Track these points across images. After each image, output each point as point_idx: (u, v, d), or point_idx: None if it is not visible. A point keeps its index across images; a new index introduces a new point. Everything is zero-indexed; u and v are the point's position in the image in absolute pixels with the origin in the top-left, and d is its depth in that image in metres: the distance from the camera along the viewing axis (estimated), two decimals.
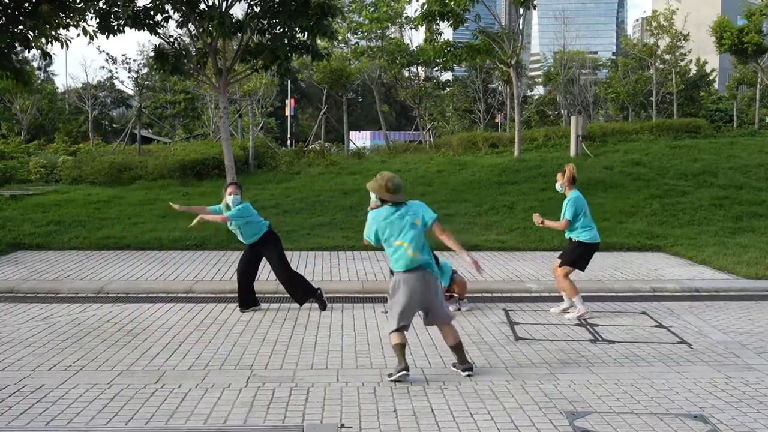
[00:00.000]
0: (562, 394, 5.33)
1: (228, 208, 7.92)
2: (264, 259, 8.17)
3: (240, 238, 8.11)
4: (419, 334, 7.00)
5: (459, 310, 8.03)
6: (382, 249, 5.86)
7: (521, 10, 22.57)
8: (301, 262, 10.85)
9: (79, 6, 13.01)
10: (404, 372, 5.56)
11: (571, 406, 5.07)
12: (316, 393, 5.30)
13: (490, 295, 8.93)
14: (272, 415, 4.86)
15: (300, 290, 8.05)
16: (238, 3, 13.99)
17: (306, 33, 13.80)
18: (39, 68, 51.75)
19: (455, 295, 8.16)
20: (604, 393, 5.36)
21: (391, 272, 5.87)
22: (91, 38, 13.53)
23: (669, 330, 7.28)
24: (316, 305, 8.09)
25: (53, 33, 13.30)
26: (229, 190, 8.00)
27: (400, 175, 6.28)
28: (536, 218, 7.85)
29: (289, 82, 38.03)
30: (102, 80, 51.51)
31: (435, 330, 7.13)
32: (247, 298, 8.03)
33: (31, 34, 13.29)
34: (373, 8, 32.28)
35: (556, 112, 53.57)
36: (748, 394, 5.37)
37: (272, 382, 5.54)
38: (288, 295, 8.23)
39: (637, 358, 6.30)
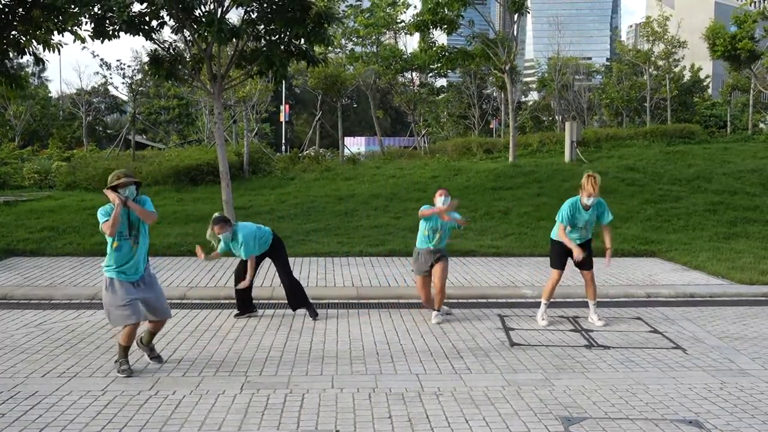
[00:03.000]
0: (557, 399, 5.33)
1: (219, 240, 7.68)
2: (261, 265, 8.12)
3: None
4: (414, 339, 7.00)
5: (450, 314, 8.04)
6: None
7: (515, 16, 22.67)
8: (296, 268, 10.80)
9: (74, 11, 12.97)
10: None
11: (566, 412, 5.07)
12: (311, 399, 5.29)
13: (485, 300, 8.93)
14: (267, 422, 4.85)
15: (295, 299, 8.01)
16: (234, 9, 13.96)
17: (303, 40, 13.79)
18: (33, 74, 51.66)
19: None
20: (599, 398, 5.37)
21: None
22: (83, 41, 13.46)
23: (664, 335, 7.29)
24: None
25: (45, 38, 13.24)
26: (215, 230, 7.51)
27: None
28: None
29: (284, 87, 38.06)
30: (96, 86, 51.48)
31: (430, 335, 7.15)
32: (245, 304, 7.98)
33: (24, 39, 13.24)
34: (368, 14, 32.36)
35: (550, 118, 53.74)
36: (742, 399, 5.38)
37: (267, 389, 5.52)
38: (283, 302, 8.19)
39: (632, 363, 6.30)
